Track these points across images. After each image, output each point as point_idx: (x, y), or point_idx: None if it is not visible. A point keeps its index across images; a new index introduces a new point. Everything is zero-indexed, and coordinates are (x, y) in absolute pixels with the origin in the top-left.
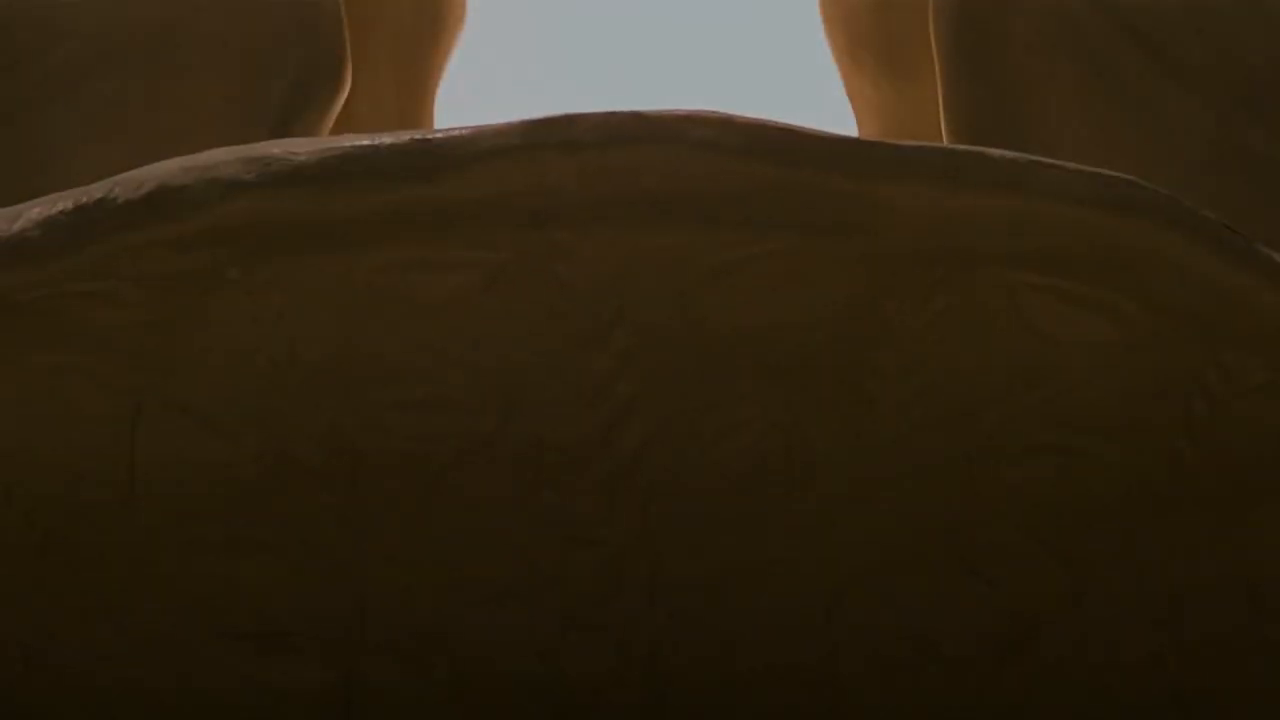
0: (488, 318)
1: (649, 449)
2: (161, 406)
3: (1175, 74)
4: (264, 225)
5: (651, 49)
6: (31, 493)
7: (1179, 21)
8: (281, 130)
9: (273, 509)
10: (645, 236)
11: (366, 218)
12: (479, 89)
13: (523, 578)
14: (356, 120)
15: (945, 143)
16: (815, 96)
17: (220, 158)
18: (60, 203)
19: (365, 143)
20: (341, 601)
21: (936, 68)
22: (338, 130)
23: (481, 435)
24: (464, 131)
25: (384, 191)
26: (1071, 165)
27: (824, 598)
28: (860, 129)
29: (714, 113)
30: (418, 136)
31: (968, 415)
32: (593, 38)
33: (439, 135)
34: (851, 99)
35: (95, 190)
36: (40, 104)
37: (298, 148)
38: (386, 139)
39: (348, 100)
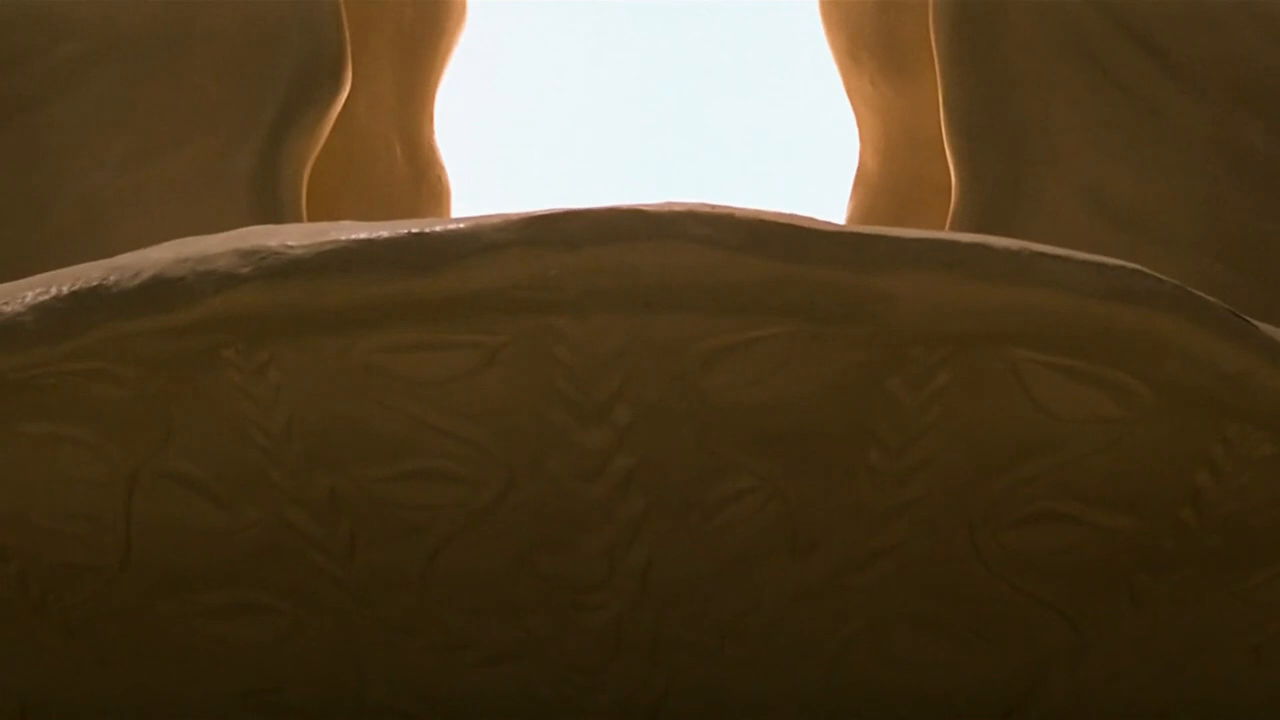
0: (486, 394)
1: (649, 518)
2: (157, 476)
3: (1175, 73)
4: (260, 316)
5: (652, 49)
6: (26, 554)
7: (1178, 21)
8: (282, 130)
9: (271, 574)
10: (645, 322)
11: (363, 309)
12: (479, 89)
13: (521, 641)
14: (356, 120)
15: (946, 143)
16: (816, 96)
17: (215, 249)
18: (55, 286)
19: (362, 236)
20: (340, 663)
21: (936, 67)
22: (337, 130)
23: (480, 506)
24: (462, 225)
25: (381, 285)
26: (1075, 255)
27: (826, 658)
28: (860, 128)
29: (714, 209)
30: (415, 230)
31: (971, 485)
32: (593, 37)
33: (437, 229)
34: (851, 99)
35: (91, 276)
36: (40, 103)
37: (294, 239)
38: (383, 231)
39: (348, 100)
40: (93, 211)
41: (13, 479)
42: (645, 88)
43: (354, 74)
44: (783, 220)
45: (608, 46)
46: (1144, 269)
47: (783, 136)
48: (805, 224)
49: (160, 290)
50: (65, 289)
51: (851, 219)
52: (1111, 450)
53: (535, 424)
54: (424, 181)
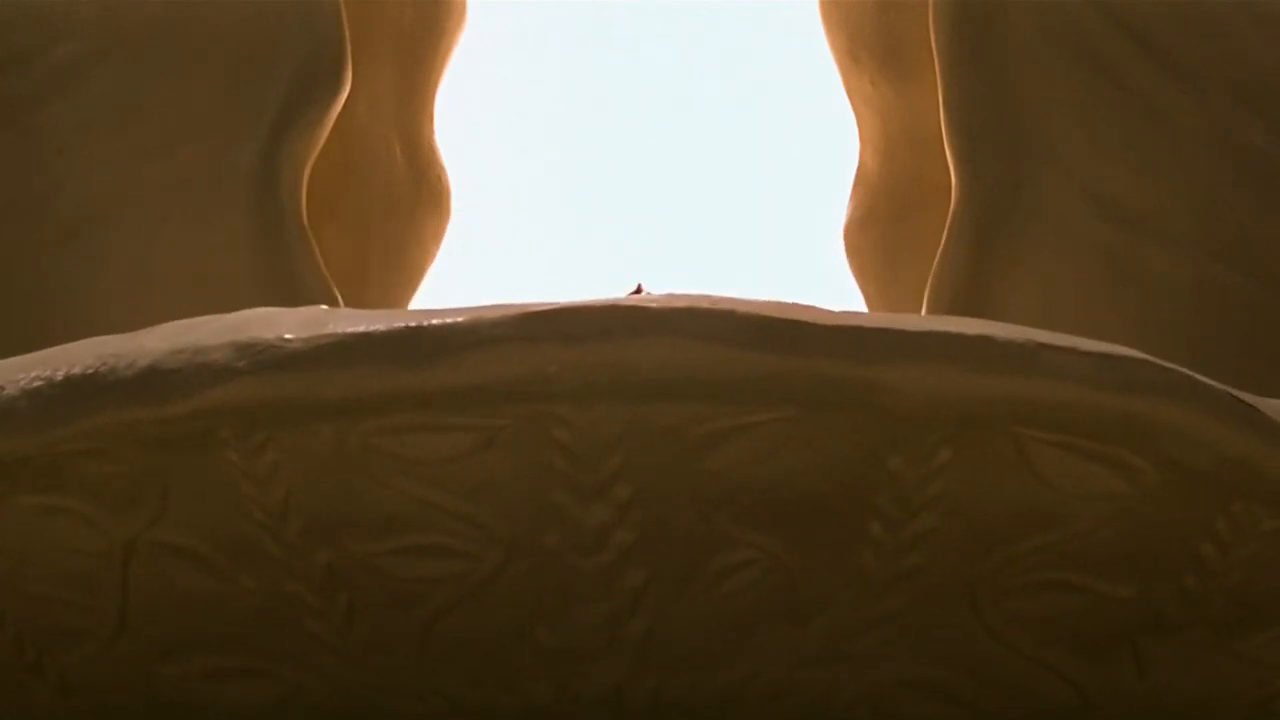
0: (485, 474)
1: (649, 590)
2: (153, 546)
3: (1175, 73)
4: (256, 407)
5: (652, 49)
6: (22, 618)
7: (1178, 21)
8: (282, 130)
9: (269, 640)
10: (645, 409)
11: (361, 400)
12: (479, 89)
13: (521, 709)
14: (356, 120)
15: (946, 143)
16: (816, 96)
17: (210, 341)
18: (50, 370)
19: (359, 329)
20: None
21: (936, 67)
22: (337, 130)
23: (479, 579)
24: (460, 318)
25: (378, 380)
26: (1080, 346)
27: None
28: (860, 128)
29: (715, 304)
30: (411, 323)
31: (973, 555)
32: (593, 37)
33: (434, 322)
34: (851, 99)
35: (86, 362)
36: (40, 103)
37: (291, 331)
38: (380, 325)
39: (348, 100)
40: (93, 211)
41: (7, 547)
42: (645, 88)
43: (354, 74)
44: (783, 315)
45: (607, 46)
46: (1148, 358)
47: (783, 136)
48: (806, 317)
49: (155, 381)
50: (59, 375)
51: (851, 219)
52: (1115, 523)
53: (534, 502)
54: (424, 181)
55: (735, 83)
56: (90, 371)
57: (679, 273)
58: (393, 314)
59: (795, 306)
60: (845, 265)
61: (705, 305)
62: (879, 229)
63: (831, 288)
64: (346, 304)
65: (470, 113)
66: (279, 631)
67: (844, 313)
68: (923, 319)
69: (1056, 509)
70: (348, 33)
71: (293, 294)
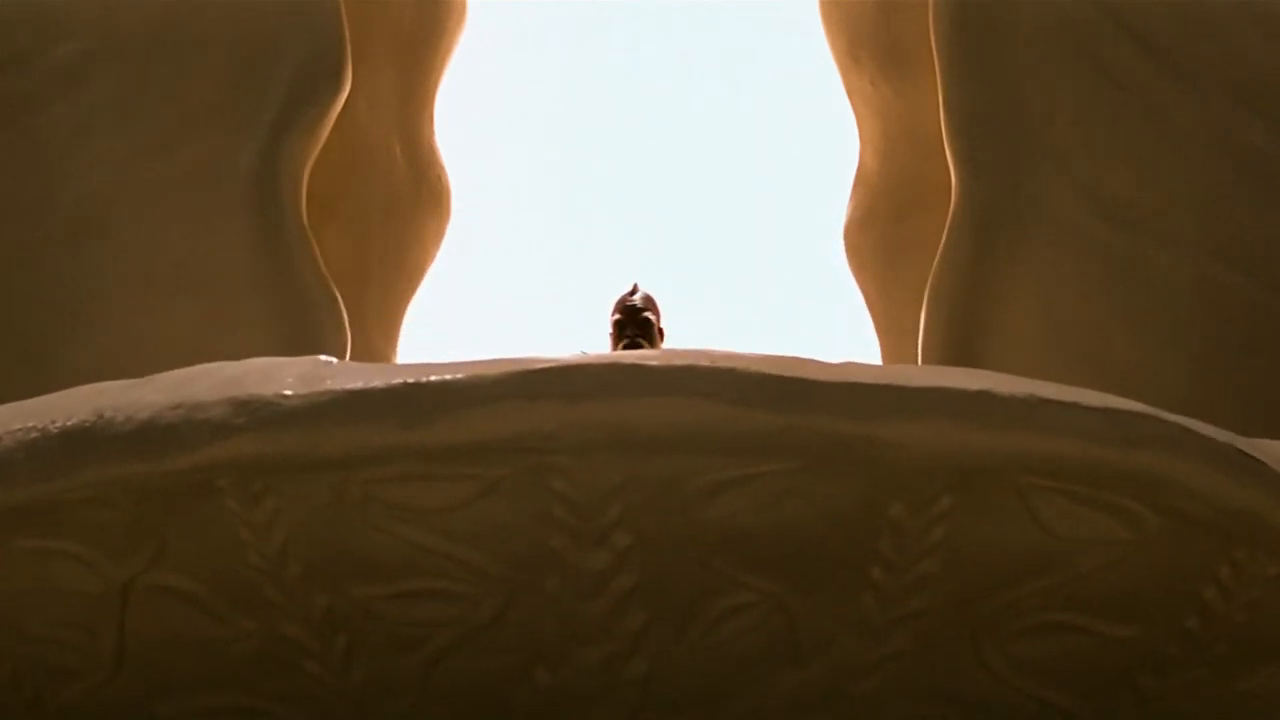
0: (484, 521)
1: (649, 632)
2: (150, 589)
3: (1175, 73)
4: (254, 461)
5: (652, 49)
6: (19, 656)
7: (1179, 21)
8: (282, 130)
9: (268, 680)
10: (645, 461)
11: (360, 455)
12: (479, 89)
13: None
14: (356, 120)
15: (946, 143)
16: (816, 96)
17: (208, 396)
18: (47, 422)
19: (357, 385)
20: None
21: (936, 67)
22: (337, 130)
23: (479, 623)
24: (459, 375)
25: (377, 436)
26: (1082, 401)
27: None
28: (860, 128)
29: (715, 362)
30: (410, 380)
31: (975, 598)
32: (593, 38)
33: (432, 379)
34: (851, 99)
35: (83, 414)
36: (40, 103)
37: (290, 387)
38: (377, 381)
39: (348, 100)
40: (93, 211)
41: (4, 587)
42: (645, 88)
43: (354, 74)
44: (784, 372)
45: (607, 47)
46: (1151, 411)
47: (783, 136)
48: (807, 374)
49: (153, 436)
50: (55, 427)
51: (851, 219)
52: (1117, 568)
53: (534, 548)
54: (424, 181)
55: (735, 83)
56: (87, 425)
57: (679, 273)
58: (391, 369)
59: (796, 361)
60: (845, 265)
61: (705, 364)
62: (879, 229)
63: (831, 288)
64: (346, 304)
65: (470, 113)
66: (277, 672)
67: (844, 365)
68: (924, 372)
69: (1058, 553)
70: (348, 33)
71: (293, 294)
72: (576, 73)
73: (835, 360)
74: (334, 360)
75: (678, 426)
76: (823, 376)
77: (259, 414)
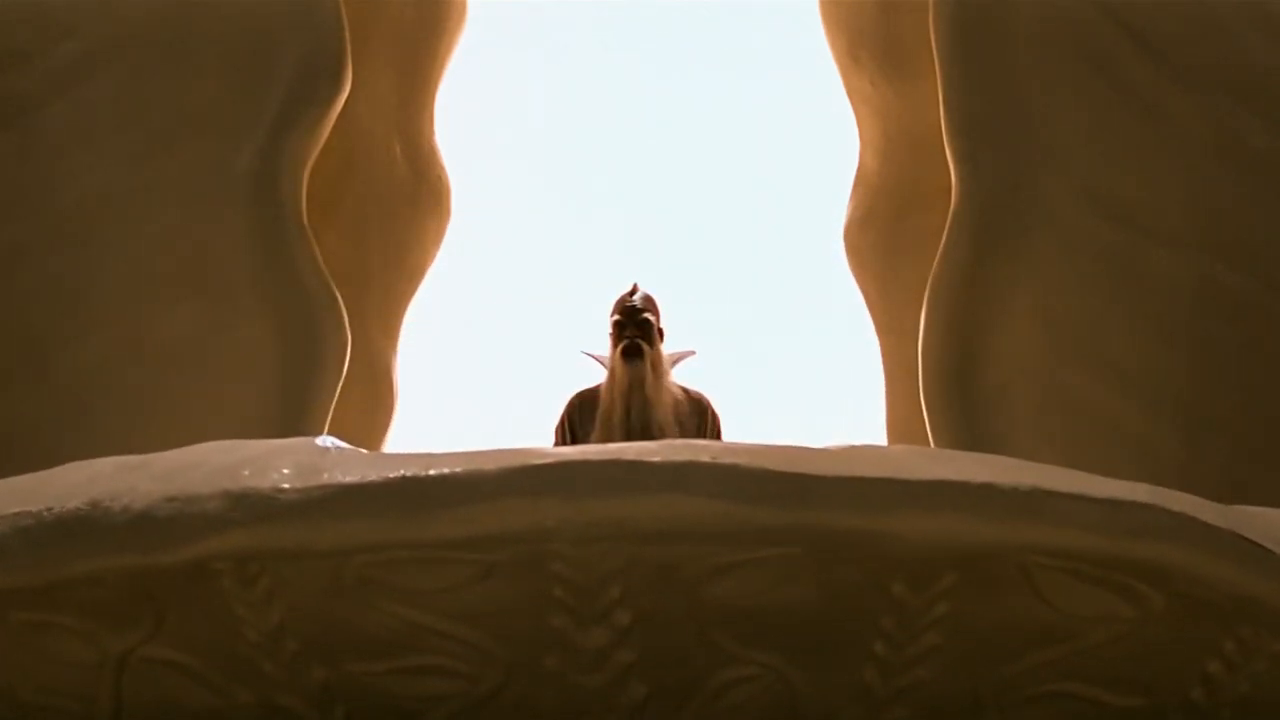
0: (483, 600)
1: (649, 706)
2: (147, 661)
3: (1175, 73)
4: (251, 553)
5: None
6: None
7: (1179, 22)
8: (282, 130)
9: None
10: (645, 549)
11: (356, 547)
12: (479, 90)
13: None
14: (356, 120)
15: (946, 143)
16: (816, 96)
17: (204, 488)
18: (41, 509)
19: (354, 479)
20: None
21: (936, 68)
22: (337, 130)
23: (478, 698)
24: (458, 470)
25: (373, 533)
26: (1086, 492)
27: None
28: (860, 128)
29: (717, 457)
30: (408, 474)
31: (979, 669)
32: (593, 38)
33: (430, 473)
34: (851, 99)
35: (78, 502)
36: (40, 103)
37: (286, 480)
38: (375, 474)
39: (348, 100)
40: (93, 211)
41: (0, 658)
42: (645, 88)
43: (354, 74)
44: (786, 470)
45: (607, 47)
46: (1157, 502)
47: (783, 136)
48: (809, 468)
49: (148, 529)
50: (51, 515)
51: (851, 219)
52: (1123, 642)
53: (533, 627)
54: (424, 181)
55: (735, 82)
56: (82, 513)
57: (679, 273)
58: (389, 461)
59: (798, 453)
60: (845, 265)
61: (706, 459)
62: (879, 229)
63: (831, 288)
64: (347, 303)
65: (470, 113)
66: None
67: (848, 452)
68: (928, 459)
69: (1063, 627)
70: (348, 33)
71: (293, 293)
72: (576, 72)
73: (838, 445)
74: (330, 445)
75: (679, 523)
76: (825, 470)
77: (255, 508)
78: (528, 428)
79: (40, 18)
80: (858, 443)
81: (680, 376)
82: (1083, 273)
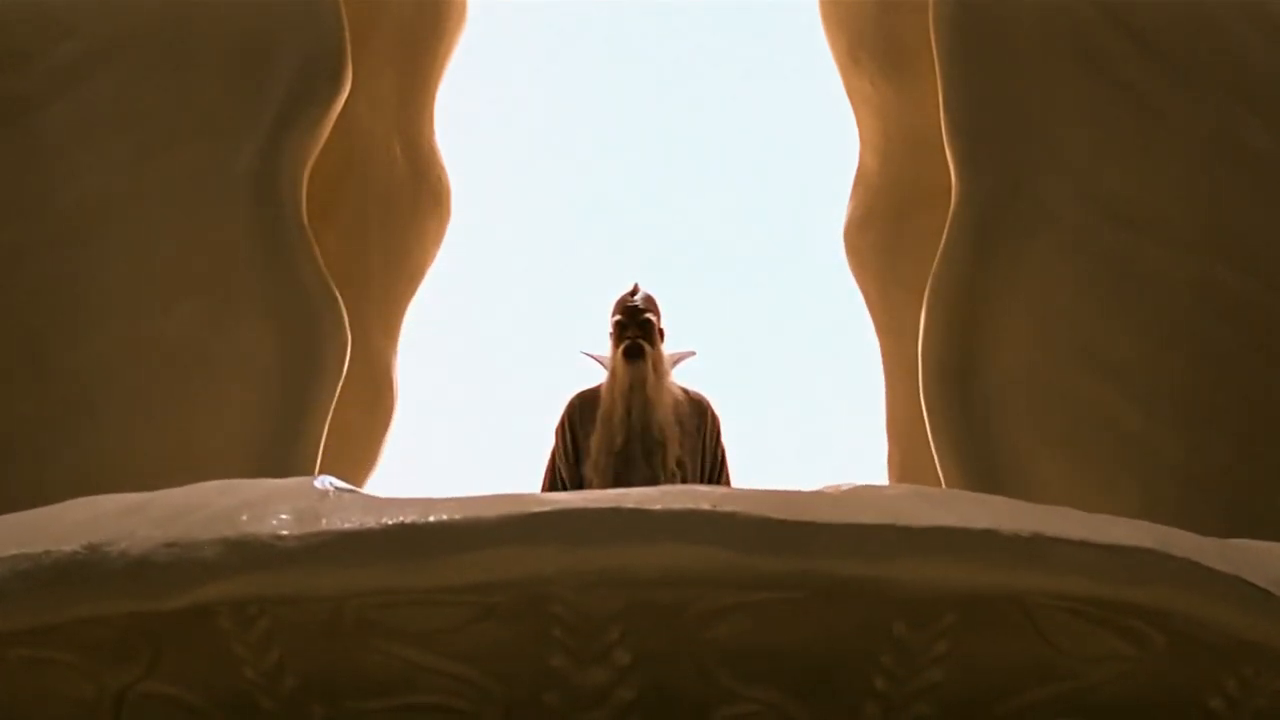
0: (483, 640)
1: None
2: (146, 697)
3: (1175, 73)
4: (248, 599)
5: (652, 50)
6: None
7: (1178, 21)
8: (282, 130)
9: None
10: (645, 592)
11: (355, 593)
12: (479, 90)
13: None
14: (356, 120)
15: (946, 143)
16: (816, 96)
17: (202, 534)
18: (37, 549)
19: (353, 526)
20: None
21: (936, 68)
22: (337, 130)
23: None
24: (458, 518)
25: (372, 579)
26: (1088, 539)
27: None
28: (860, 128)
29: (717, 505)
30: (407, 520)
31: (980, 705)
32: (593, 38)
33: (430, 520)
34: (851, 99)
35: (75, 546)
36: (40, 103)
37: (284, 527)
38: (373, 521)
39: (348, 100)
40: (93, 211)
41: None
42: (645, 88)
43: (354, 74)
44: (787, 518)
45: (607, 47)
46: (1159, 548)
47: (783, 136)
48: (810, 515)
49: (146, 575)
50: (48, 559)
51: (851, 219)
52: (1125, 680)
53: (533, 666)
54: (424, 181)
55: (735, 83)
56: (80, 558)
57: (679, 273)
58: (388, 506)
59: (799, 499)
60: (845, 265)
61: (706, 507)
62: (879, 229)
63: (831, 288)
64: (347, 304)
65: (470, 113)
66: None
67: (847, 496)
68: (930, 503)
69: (1065, 664)
70: (348, 33)
71: (293, 293)
72: (576, 73)
73: (839, 488)
74: (329, 487)
75: (680, 571)
76: (825, 517)
77: (253, 555)
78: (528, 428)
79: (40, 18)
80: (858, 483)
81: (680, 377)
82: (1083, 273)
